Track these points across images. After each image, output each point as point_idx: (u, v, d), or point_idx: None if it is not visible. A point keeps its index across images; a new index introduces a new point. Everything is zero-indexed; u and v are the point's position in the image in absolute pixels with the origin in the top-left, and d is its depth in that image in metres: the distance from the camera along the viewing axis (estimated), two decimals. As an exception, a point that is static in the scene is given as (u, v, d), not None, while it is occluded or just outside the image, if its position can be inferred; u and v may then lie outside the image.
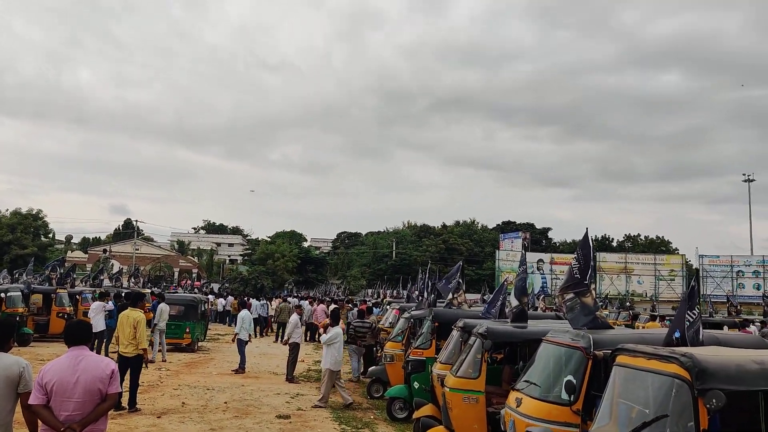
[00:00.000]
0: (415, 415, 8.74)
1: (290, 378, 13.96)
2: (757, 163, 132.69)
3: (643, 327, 22.92)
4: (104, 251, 63.47)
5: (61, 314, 19.84)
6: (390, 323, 16.05)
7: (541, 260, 65.96)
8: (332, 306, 23.74)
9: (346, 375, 15.12)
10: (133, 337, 9.77)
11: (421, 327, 11.32)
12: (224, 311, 34.52)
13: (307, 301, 31.89)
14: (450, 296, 12.53)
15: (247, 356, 18.45)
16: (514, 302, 8.20)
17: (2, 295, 18.15)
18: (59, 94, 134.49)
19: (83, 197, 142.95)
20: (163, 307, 16.69)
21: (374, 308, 23.45)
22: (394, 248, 70.95)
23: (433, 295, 12.93)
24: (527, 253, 67.66)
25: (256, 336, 25.10)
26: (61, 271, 22.78)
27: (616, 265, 66.04)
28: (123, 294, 17.43)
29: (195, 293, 34.14)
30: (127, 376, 9.78)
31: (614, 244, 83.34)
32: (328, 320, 13.79)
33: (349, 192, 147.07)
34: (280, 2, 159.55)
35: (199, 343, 20.32)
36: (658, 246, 79.85)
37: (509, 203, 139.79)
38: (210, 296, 36.82)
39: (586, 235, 6.55)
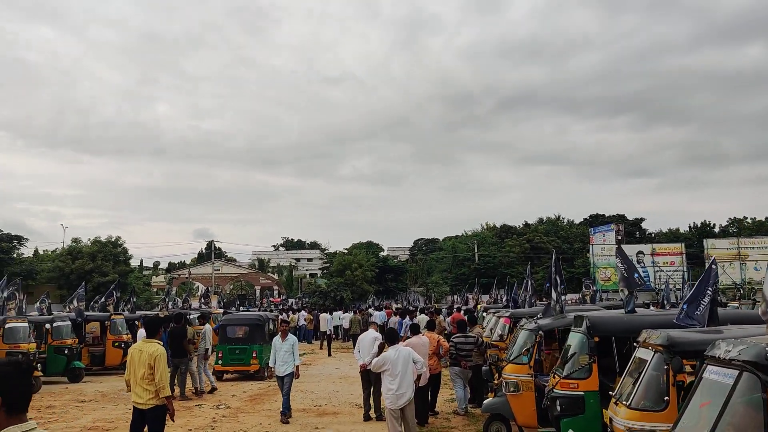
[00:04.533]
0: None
1: (377, 414, 10.63)
2: None
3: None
4: (167, 270, 62.96)
5: (117, 343, 17.58)
6: (499, 335, 12.51)
7: (641, 252, 59.96)
8: (419, 316, 20.34)
9: (450, 405, 11.67)
10: (149, 381, 6.79)
11: (563, 343, 7.81)
12: (303, 327, 31.93)
13: (383, 312, 28.60)
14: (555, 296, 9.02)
15: (325, 380, 15.51)
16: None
17: (47, 326, 16.01)
18: (138, 129, 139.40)
19: (170, 225, 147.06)
20: (207, 329, 14.16)
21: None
22: (476, 251, 66.66)
23: (563, 297, 9.35)
24: (623, 245, 62.35)
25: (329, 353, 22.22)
26: (118, 295, 20.66)
27: (728, 251, 58.94)
28: (173, 317, 14.80)
29: (270, 311, 31.81)
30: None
31: (716, 230, 75.20)
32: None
33: (423, 199, 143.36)
34: (336, 17, 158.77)
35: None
36: (769, 228, 71.30)
37: (592, 198, 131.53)
38: (287, 312, 34.48)
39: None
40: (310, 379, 16.00)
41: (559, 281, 9.18)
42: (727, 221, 78.96)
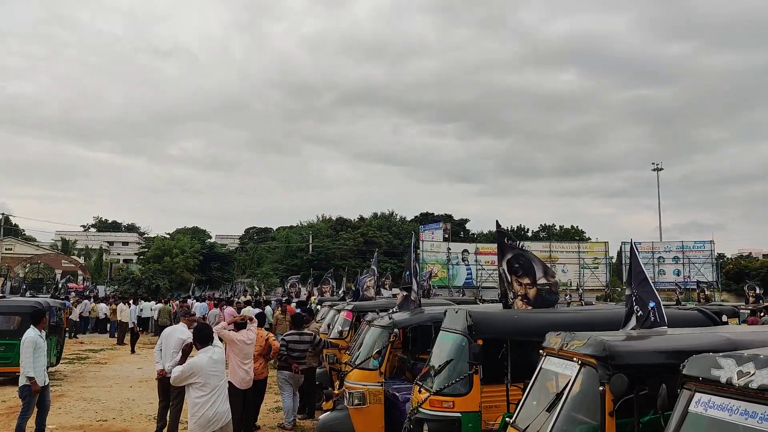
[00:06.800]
0: None
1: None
2: (648, 159, 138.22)
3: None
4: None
5: None
6: (339, 332, 10.76)
7: (465, 251, 62.70)
8: (246, 309, 17.87)
9: (275, 417, 9.64)
10: None
11: (412, 343, 6.26)
12: (106, 318, 27.71)
13: (205, 303, 25.83)
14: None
15: (120, 385, 12.57)
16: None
17: None
18: None
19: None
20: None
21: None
22: (311, 242, 65.08)
23: (420, 290, 7.84)
24: (450, 243, 64.84)
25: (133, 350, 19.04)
26: None
27: (541, 254, 63.97)
28: None
29: (66, 298, 27.13)
30: None
31: (529, 234, 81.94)
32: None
33: (257, 188, 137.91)
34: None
35: (50, 369, 14.01)
36: (573, 235, 79.19)
37: (422, 198, 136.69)
38: (89, 300, 29.86)
39: None
40: (101, 382, 13.00)
41: (418, 270, 7.64)
42: (539, 227, 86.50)
